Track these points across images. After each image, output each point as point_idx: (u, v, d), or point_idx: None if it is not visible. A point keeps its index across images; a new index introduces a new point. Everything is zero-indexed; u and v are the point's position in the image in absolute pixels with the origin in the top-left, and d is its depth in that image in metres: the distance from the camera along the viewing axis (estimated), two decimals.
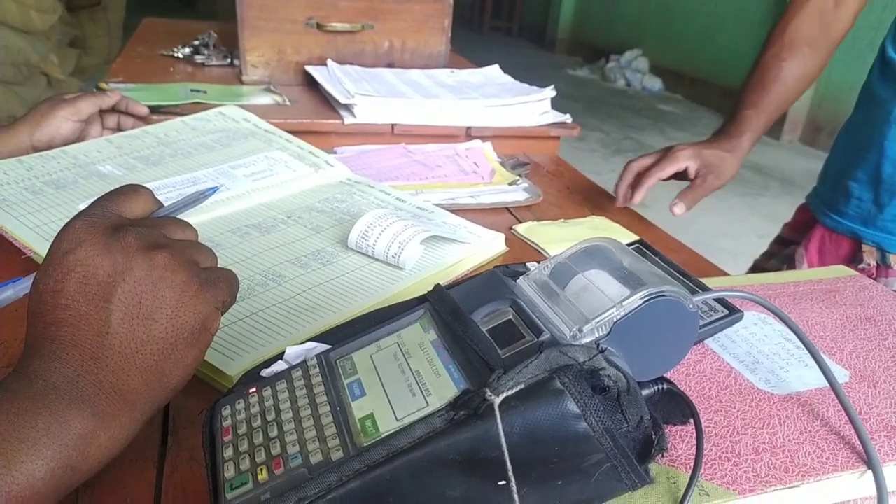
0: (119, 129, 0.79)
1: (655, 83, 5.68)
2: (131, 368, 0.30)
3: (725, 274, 0.66)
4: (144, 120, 0.81)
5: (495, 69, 1.21)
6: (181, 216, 0.38)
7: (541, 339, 0.32)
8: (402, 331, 0.36)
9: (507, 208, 0.79)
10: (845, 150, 0.91)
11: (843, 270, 0.57)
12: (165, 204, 0.38)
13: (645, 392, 0.34)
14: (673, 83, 5.61)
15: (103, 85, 0.92)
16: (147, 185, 0.65)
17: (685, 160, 0.79)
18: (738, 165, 0.83)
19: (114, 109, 0.78)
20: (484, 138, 0.97)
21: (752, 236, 2.91)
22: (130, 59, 1.14)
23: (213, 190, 0.41)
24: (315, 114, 0.96)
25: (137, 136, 0.75)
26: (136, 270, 0.30)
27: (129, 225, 0.32)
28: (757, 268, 1.06)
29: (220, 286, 0.34)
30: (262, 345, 0.45)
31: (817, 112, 4.34)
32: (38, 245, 0.53)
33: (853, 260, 0.87)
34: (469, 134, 0.98)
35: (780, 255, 1.01)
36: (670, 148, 0.81)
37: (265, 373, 0.36)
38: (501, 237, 0.67)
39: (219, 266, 0.36)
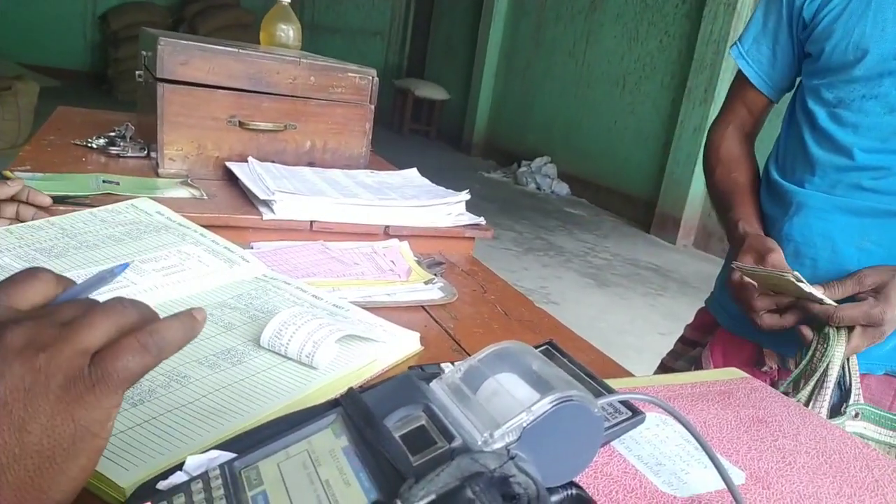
0: (18, 219, 0.75)
1: (563, 188, 6.04)
2: (3, 486, 0.27)
3: (630, 374, 0.69)
4: (48, 210, 0.77)
5: (413, 172, 1.26)
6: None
7: (452, 445, 0.32)
8: (312, 437, 0.35)
9: (422, 307, 0.80)
10: None
11: (735, 373, 0.61)
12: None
13: (554, 498, 0.34)
14: (579, 188, 5.98)
15: (7, 173, 0.89)
16: None
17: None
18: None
19: (14, 199, 0.75)
20: (401, 237, 0.99)
21: (654, 334, 3.06)
22: (40, 148, 1.11)
23: (124, 266, 0.37)
24: (233, 209, 0.95)
25: (40, 227, 0.72)
26: (7, 376, 0.28)
27: (16, 320, 0.30)
28: (665, 367, 1.11)
29: (116, 371, 0.30)
30: (160, 453, 0.42)
31: (707, 220, 4.73)
32: None
33: (756, 363, 0.93)
34: (387, 233, 1.00)
35: (686, 356, 1.06)
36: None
37: (162, 485, 0.34)
38: (416, 336, 0.67)
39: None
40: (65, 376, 0.29)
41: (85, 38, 7.65)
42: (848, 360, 0.81)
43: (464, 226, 1.06)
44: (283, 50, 1.35)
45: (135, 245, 0.72)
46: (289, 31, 1.44)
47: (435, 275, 0.89)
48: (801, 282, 0.74)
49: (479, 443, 0.32)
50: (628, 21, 5.53)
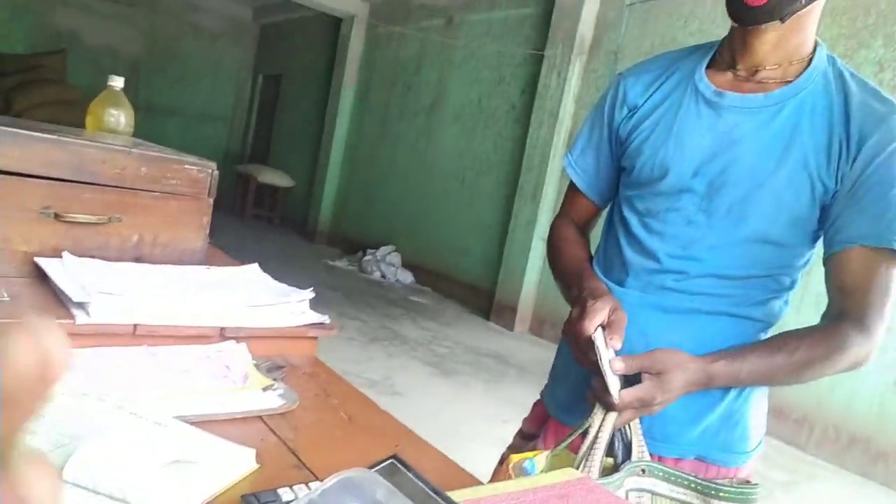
0: None
1: (407, 276, 6.15)
2: None
3: (475, 479, 0.69)
4: None
5: (254, 268, 1.21)
6: None
7: None
8: None
9: (260, 417, 0.75)
10: (569, 354, 1.05)
11: (572, 473, 0.64)
12: None
13: None
14: (422, 277, 6.13)
15: None
16: None
17: None
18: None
19: None
20: (239, 339, 0.94)
21: (496, 421, 3.12)
22: None
23: None
24: (40, 312, 0.85)
25: None
26: None
27: None
28: (504, 461, 1.13)
29: None
30: None
31: (540, 308, 5.03)
32: None
33: None
34: (223, 335, 0.94)
35: (524, 449, 1.09)
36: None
37: None
38: (252, 453, 0.62)
39: None
40: None
41: None
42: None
43: (307, 325, 1.03)
44: (112, 137, 1.27)
45: None
46: (119, 117, 1.36)
47: (274, 380, 0.84)
48: (600, 353, 0.83)
49: None
50: (466, 122, 5.95)
